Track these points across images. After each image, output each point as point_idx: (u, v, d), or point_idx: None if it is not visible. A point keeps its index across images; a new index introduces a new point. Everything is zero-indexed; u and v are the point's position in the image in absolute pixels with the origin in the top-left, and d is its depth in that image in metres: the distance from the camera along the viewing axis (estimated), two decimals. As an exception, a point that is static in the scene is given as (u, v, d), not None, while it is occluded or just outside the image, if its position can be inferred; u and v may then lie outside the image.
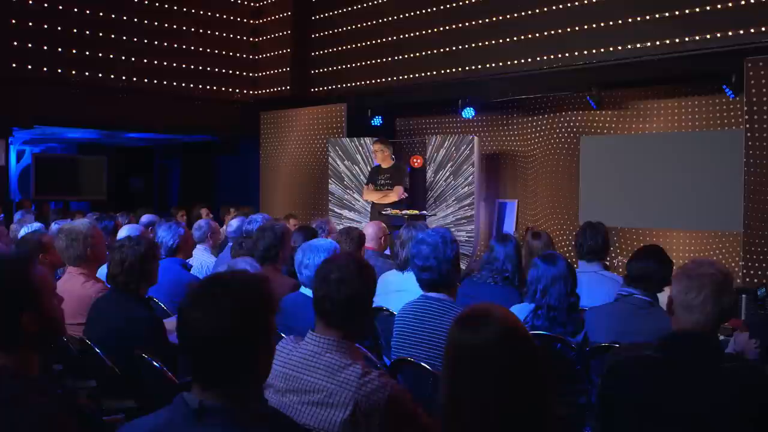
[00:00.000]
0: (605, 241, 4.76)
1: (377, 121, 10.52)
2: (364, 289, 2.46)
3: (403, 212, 8.26)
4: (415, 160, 10.27)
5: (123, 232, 5.44)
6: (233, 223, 6.36)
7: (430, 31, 9.84)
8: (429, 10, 9.84)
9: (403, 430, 2.29)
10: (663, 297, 3.92)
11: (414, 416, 2.31)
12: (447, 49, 9.61)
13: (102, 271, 4.43)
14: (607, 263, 4.85)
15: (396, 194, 8.54)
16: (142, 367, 3.29)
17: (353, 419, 2.21)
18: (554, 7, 8.46)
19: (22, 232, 5.26)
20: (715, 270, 2.47)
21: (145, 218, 7.27)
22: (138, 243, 3.58)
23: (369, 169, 9.63)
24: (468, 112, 9.36)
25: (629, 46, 7.84)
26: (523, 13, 8.82)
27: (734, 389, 2.33)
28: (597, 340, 3.67)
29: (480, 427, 1.60)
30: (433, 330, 3.31)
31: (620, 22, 7.91)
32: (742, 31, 7.05)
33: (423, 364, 3.16)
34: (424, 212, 8.89)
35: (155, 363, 3.14)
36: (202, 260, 6.01)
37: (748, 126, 6.82)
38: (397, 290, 4.48)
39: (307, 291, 3.75)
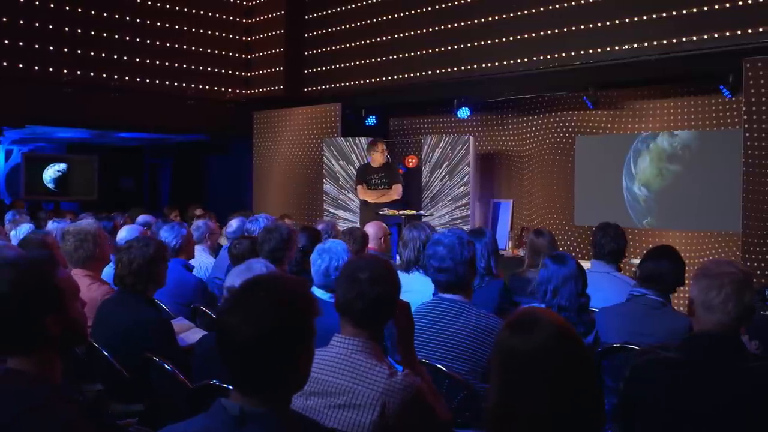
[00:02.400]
0: (626, 244, 4.82)
1: (371, 120, 10.47)
2: (393, 288, 2.44)
3: (401, 212, 8.22)
4: (409, 160, 10.23)
5: (122, 233, 5.38)
6: (233, 224, 6.26)
7: (424, 30, 9.79)
8: (423, 9, 9.79)
9: (423, 424, 2.29)
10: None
11: (433, 410, 2.32)
12: (442, 48, 9.57)
13: (106, 273, 4.39)
14: (621, 266, 4.87)
15: (396, 192, 8.50)
16: (151, 370, 3.25)
17: (382, 421, 2.18)
18: (550, 7, 8.43)
19: (22, 231, 5.19)
20: (735, 269, 2.47)
21: (142, 218, 7.20)
22: (147, 244, 3.53)
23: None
24: (463, 112, 9.34)
25: (626, 46, 7.84)
26: (518, 13, 8.79)
27: (756, 389, 2.32)
28: (608, 341, 3.66)
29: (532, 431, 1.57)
30: (446, 330, 3.29)
31: (617, 22, 7.90)
32: (739, 32, 7.06)
33: (438, 365, 3.14)
34: (421, 212, 8.85)
35: (167, 366, 3.09)
36: (201, 261, 5.96)
37: (746, 126, 6.83)
38: (404, 291, 4.44)
39: (317, 291, 3.72)
